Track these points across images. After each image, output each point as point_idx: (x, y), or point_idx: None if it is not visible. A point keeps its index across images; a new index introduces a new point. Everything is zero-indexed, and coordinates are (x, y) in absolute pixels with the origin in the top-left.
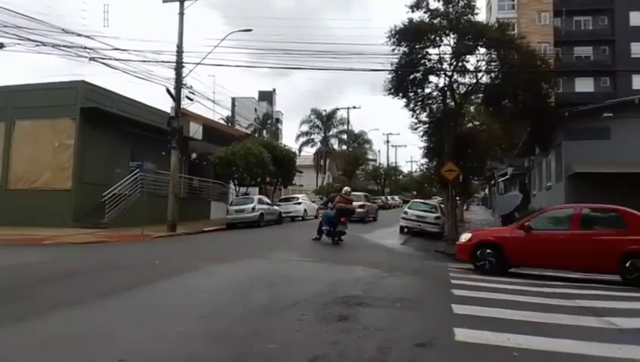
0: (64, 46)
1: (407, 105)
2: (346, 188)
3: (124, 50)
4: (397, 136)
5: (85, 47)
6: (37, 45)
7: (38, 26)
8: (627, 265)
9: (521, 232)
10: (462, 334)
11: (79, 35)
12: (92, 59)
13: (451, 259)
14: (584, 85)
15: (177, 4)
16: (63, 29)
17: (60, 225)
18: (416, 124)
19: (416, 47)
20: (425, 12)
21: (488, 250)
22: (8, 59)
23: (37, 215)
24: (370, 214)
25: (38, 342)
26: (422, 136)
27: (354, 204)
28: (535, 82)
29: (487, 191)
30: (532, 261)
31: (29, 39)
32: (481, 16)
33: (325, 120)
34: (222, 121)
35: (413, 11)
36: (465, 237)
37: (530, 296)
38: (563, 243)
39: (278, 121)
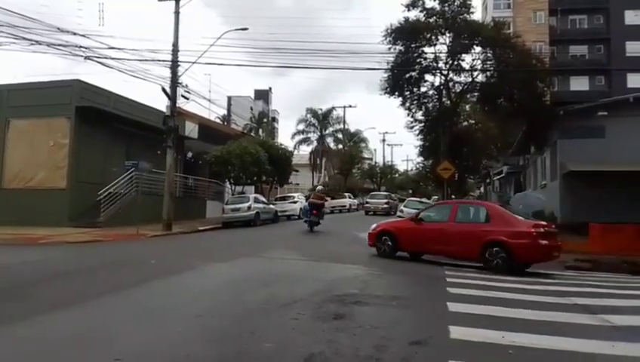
0: (59, 45)
1: (403, 104)
2: (319, 188)
3: (119, 49)
4: (393, 135)
5: (81, 46)
6: (32, 44)
7: (33, 25)
8: (487, 253)
9: (413, 223)
10: (457, 332)
11: (74, 33)
12: (87, 57)
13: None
14: (579, 84)
15: (173, 3)
16: (59, 28)
17: (55, 224)
18: (412, 122)
19: (412, 45)
20: (421, 11)
21: (386, 237)
22: (6, 58)
23: (32, 214)
24: (392, 209)
25: (35, 342)
26: (418, 135)
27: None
28: (530, 81)
29: (482, 189)
30: (418, 247)
31: (24, 38)
32: (476, 15)
33: (321, 119)
34: (218, 120)
35: (409, 10)
36: (372, 226)
37: (525, 293)
38: (441, 233)
39: (274, 119)
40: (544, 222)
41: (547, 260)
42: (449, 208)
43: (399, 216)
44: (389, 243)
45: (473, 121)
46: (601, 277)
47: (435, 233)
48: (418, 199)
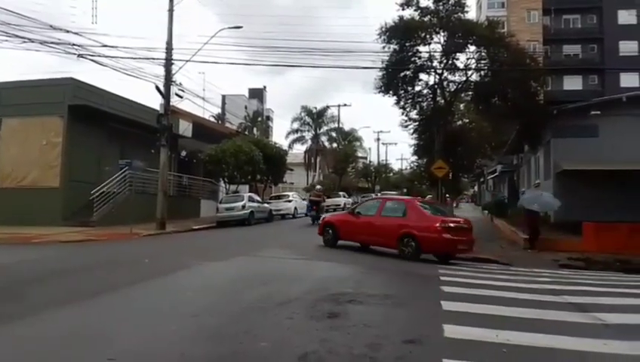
0: (52, 43)
1: (397, 103)
2: (318, 187)
3: (113, 47)
4: (387, 134)
5: (74, 44)
6: (24, 42)
7: (26, 23)
8: (401, 243)
9: (351, 216)
10: (451, 330)
11: (67, 31)
12: (80, 55)
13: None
14: (573, 83)
15: (167, 0)
16: (51, 26)
17: (48, 223)
18: (406, 121)
19: (407, 44)
20: (415, 10)
21: (329, 228)
22: (3, 56)
23: (25, 213)
24: None
25: (28, 342)
26: (412, 134)
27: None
28: (524, 80)
29: (476, 188)
30: (352, 237)
31: (16, 36)
32: (471, 15)
33: (316, 117)
34: (212, 119)
35: (403, 9)
36: (321, 219)
37: (519, 292)
38: (369, 225)
39: (268, 118)
40: (460, 219)
41: (453, 252)
42: (378, 203)
43: None
44: (331, 233)
45: (467, 120)
46: (594, 275)
47: (365, 225)
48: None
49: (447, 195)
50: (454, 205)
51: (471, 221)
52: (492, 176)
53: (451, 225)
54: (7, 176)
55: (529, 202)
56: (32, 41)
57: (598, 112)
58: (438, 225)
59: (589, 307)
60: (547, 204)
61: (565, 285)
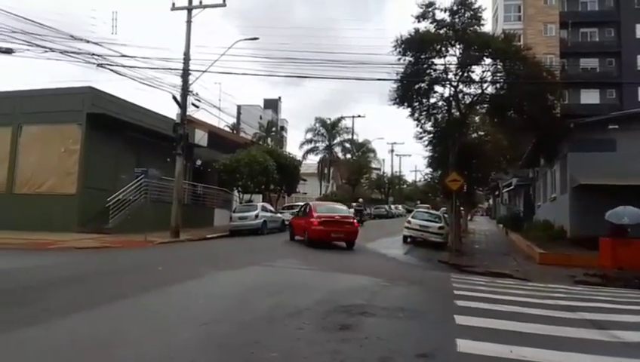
0: (72, 52)
1: (412, 115)
2: (360, 200)
3: (131, 57)
4: (401, 146)
5: (93, 54)
6: (45, 51)
7: (47, 33)
8: (305, 235)
9: (299, 218)
10: (464, 345)
11: (87, 41)
12: (100, 65)
13: (455, 270)
14: (590, 97)
15: (185, 12)
16: (72, 36)
17: (64, 229)
18: (420, 133)
19: (422, 57)
20: (431, 22)
21: (290, 227)
22: (28, 65)
23: (41, 219)
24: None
25: (40, 348)
26: (426, 146)
27: None
28: (540, 93)
29: (491, 201)
30: (297, 233)
31: (38, 45)
32: (487, 27)
33: (330, 128)
34: (227, 129)
35: (419, 21)
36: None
37: (534, 307)
38: (302, 223)
39: (282, 128)
40: (337, 215)
41: (328, 240)
42: (304, 208)
43: (406, 228)
44: (290, 230)
45: (482, 133)
46: (611, 292)
47: (301, 224)
48: (426, 210)
49: (462, 208)
50: (469, 218)
51: (352, 217)
52: (507, 189)
53: (326, 220)
54: (26, 183)
55: (618, 217)
56: (53, 51)
57: (616, 126)
58: (315, 220)
59: (606, 324)
60: (635, 214)
61: (582, 301)
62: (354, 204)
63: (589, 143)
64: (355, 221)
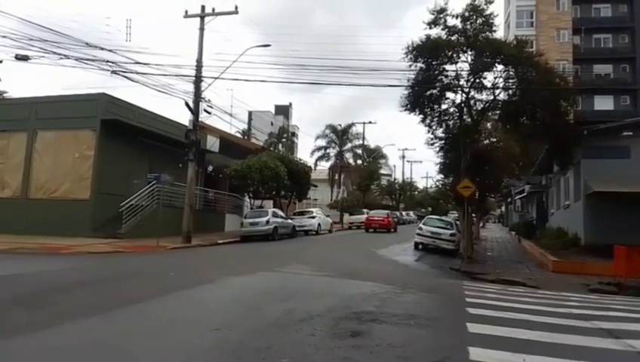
0: (87, 59)
1: (423, 121)
2: (388, 212)
3: (145, 64)
4: (413, 152)
5: (107, 61)
6: (61, 58)
7: (63, 40)
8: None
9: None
10: (476, 353)
11: (102, 48)
12: (114, 72)
13: (467, 277)
14: (604, 103)
15: (198, 20)
16: (87, 43)
17: (77, 234)
18: (432, 139)
19: (434, 63)
20: (442, 29)
21: None
22: (47, 72)
23: (56, 224)
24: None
25: (51, 351)
26: (438, 152)
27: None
28: (553, 99)
29: (503, 208)
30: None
31: (53, 52)
32: (499, 34)
33: (340, 134)
34: (238, 134)
35: (430, 28)
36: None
37: (547, 316)
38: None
39: (293, 134)
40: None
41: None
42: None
43: (417, 235)
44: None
45: (495, 139)
46: (625, 301)
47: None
48: (438, 217)
49: (474, 215)
50: (481, 225)
51: (386, 217)
52: (520, 196)
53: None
54: (41, 187)
55: None
56: (68, 58)
57: (630, 133)
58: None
59: (620, 333)
60: None
61: (595, 310)
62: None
63: (603, 150)
64: (389, 220)
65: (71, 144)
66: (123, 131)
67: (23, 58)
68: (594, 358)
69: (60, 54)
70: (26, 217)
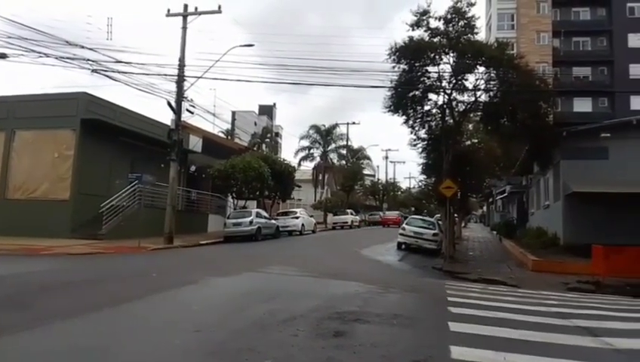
0: (67, 58)
1: (406, 122)
2: (398, 212)
3: (126, 63)
4: (396, 153)
5: (88, 60)
6: (40, 56)
7: (42, 38)
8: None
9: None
10: (458, 352)
11: (82, 47)
12: (94, 71)
13: (449, 277)
14: (582, 105)
15: (181, 18)
16: (67, 41)
17: (57, 235)
18: (415, 140)
19: (416, 64)
20: (425, 31)
21: None
22: (30, 71)
23: (35, 225)
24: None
25: (32, 353)
26: (421, 153)
27: None
28: (533, 101)
29: (485, 208)
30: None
31: (33, 50)
32: (480, 36)
33: (324, 135)
34: (222, 135)
35: (413, 30)
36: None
37: (527, 314)
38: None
39: (277, 135)
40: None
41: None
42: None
43: (400, 234)
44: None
45: (476, 140)
46: (604, 299)
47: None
48: (421, 217)
49: (456, 215)
50: (463, 225)
51: (398, 217)
52: (501, 196)
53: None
54: (19, 188)
55: None
56: (48, 56)
57: (608, 135)
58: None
59: (598, 331)
60: None
61: (574, 308)
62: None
63: (582, 151)
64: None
65: (50, 144)
66: (104, 131)
67: (1, 56)
68: (573, 356)
69: (39, 52)
70: (3, 218)
